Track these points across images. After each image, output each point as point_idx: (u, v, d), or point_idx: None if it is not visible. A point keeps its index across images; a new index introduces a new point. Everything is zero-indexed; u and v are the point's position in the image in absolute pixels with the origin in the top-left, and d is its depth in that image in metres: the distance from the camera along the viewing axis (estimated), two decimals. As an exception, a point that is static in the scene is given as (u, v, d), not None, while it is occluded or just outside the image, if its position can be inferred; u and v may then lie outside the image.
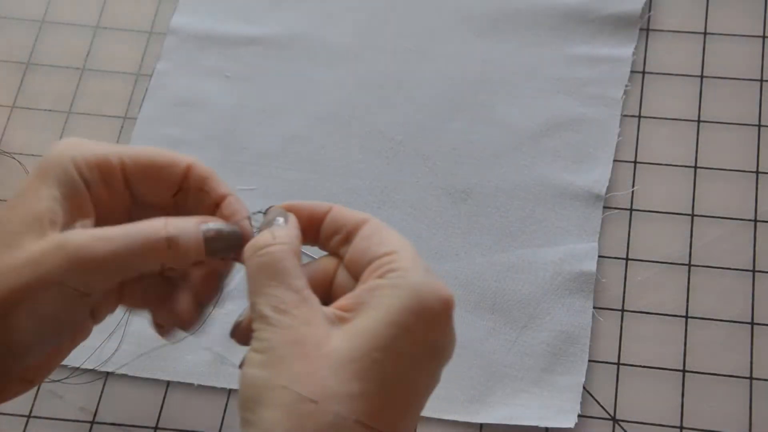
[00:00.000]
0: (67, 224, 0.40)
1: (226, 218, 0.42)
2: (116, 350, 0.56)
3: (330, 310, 0.38)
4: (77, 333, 0.44)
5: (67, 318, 0.40)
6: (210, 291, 0.43)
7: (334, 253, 0.41)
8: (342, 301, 0.38)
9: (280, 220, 0.40)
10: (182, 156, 0.43)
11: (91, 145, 0.42)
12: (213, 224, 0.41)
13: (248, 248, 0.39)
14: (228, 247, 0.41)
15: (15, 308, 0.38)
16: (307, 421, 0.34)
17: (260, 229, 0.41)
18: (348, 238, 0.40)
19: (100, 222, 0.42)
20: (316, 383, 0.35)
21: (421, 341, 0.36)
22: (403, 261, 0.37)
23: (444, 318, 0.37)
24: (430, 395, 0.38)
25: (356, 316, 0.37)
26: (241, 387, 0.36)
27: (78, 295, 0.39)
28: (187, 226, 0.40)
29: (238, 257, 0.41)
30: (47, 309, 0.39)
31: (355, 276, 0.39)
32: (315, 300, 0.38)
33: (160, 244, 0.39)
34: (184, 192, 0.43)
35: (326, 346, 0.36)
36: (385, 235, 0.39)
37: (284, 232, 0.39)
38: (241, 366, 0.38)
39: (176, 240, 0.40)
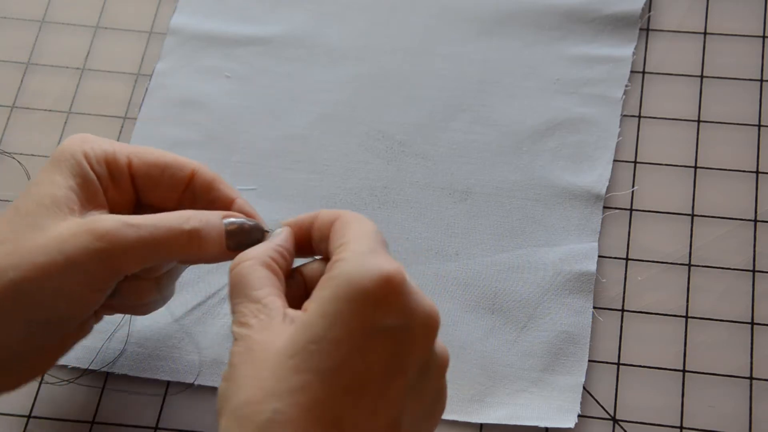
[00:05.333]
0: (83, 213, 0.41)
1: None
2: (117, 351, 0.56)
3: (294, 311, 0.38)
4: (82, 327, 0.44)
5: (83, 304, 0.41)
6: None
7: (327, 256, 0.42)
8: (306, 301, 0.39)
9: (278, 230, 0.42)
10: (188, 160, 0.45)
11: (100, 141, 0.44)
12: (235, 219, 0.43)
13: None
14: (249, 243, 0.42)
15: (40, 285, 0.39)
16: (246, 423, 0.35)
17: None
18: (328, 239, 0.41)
19: None
20: (257, 385, 0.36)
21: (360, 326, 0.36)
22: (346, 251, 0.37)
23: (386, 296, 0.36)
24: (403, 381, 0.37)
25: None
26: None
27: (97, 282, 0.40)
28: (211, 219, 0.42)
29: None
30: (69, 289, 0.40)
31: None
32: (276, 305, 0.38)
33: (183, 235, 0.41)
34: (190, 194, 0.44)
35: (273, 348, 0.36)
36: (346, 228, 0.39)
37: (257, 248, 0.41)
38: None
39: (199, 232, 0.41)
